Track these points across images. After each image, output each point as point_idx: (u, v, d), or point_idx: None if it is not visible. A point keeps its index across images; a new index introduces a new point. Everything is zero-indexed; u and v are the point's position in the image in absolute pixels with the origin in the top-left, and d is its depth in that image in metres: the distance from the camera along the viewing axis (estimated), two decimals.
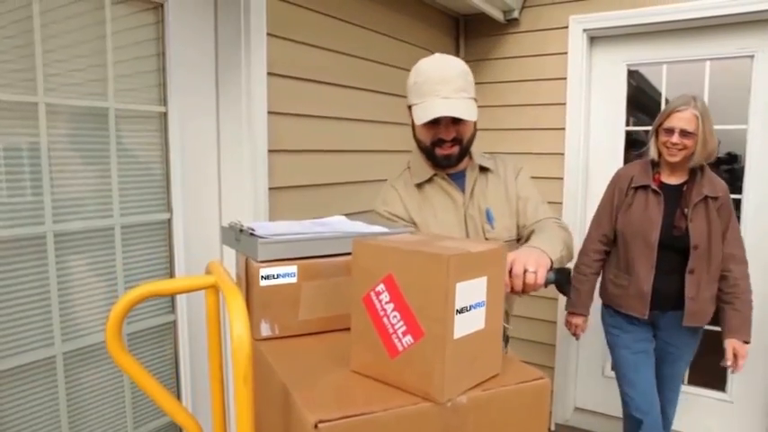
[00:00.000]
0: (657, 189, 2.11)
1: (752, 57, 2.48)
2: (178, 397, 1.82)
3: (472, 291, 0.84)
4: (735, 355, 2.06)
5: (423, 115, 1.41)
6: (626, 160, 2.85)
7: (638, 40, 2.74)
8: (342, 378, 0.91)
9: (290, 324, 1.11)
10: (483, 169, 1.62)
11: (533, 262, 1.21)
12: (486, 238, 1.59)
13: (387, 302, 0.87)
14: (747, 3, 2.35)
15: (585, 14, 2.72)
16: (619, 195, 2.20)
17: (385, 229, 1.23)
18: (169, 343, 1.79)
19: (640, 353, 2.22)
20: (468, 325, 0.84)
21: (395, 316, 0.86)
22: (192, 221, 1.80)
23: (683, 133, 2.02)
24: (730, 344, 2.07)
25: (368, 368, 0.91)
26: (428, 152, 1.53)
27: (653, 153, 2.14)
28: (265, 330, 1.10)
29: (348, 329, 0.96)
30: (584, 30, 2.74)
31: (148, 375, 0.93)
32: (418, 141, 1.55)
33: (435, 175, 1.57)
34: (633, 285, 2.15)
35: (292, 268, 1.10)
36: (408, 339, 0.84)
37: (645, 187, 2.14)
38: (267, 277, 1.08)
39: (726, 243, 2.08)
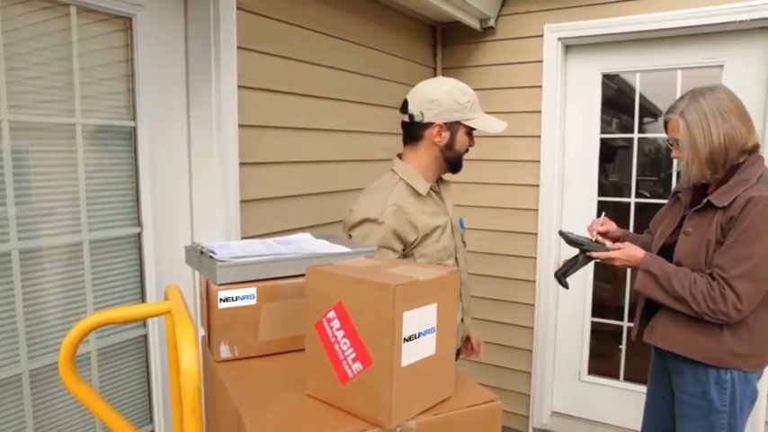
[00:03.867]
0: (683, 197, 1.81)
1: (721, 66, 2.52)
2: (150, 412, 1.82)
3: (421, 318, 0.86)
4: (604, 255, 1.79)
5: (496, 126, 1.68)
6: (601, 167, 2.89)
7: (612, 49, 2.77)
8: (295, 403, 0.92)
9: (249, 345, 1.12)
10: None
11: None
12: (464, 243, 1.83)
13: (337, 329, 0.88)
14: (715, 14, 2.38)
15: (560, 23, 2.75)
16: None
17: (347, 249, 1.24)
18: (140, 357, 1.79)
19: (651, 393, 1.99)
20: (416, 352, 0.86)
21: (345, 343, 0.87)
22: (162, 235, 1.80)
23: (678, 144, 1.70)
24: (631, 246, 1.77)
25: (320, 393, 0.92)
26: (460, 158, 1.72)
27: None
28: (225, 352, 1.11)
29: None
30: (559, 38, 2.77)
31: (105, 403, 0.93)
32: (454, 151, 1.69)
33: (431, 188, 1.71)
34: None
35: (251, 290, 1.11)
36: (358, 366, 0.86)
37: (677, 195, 1.86)
38: (226, 300, 1.09)
39: (717, 254, 1.61)
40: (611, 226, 1.97)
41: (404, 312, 0.82)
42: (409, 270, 0.91)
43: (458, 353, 1.88)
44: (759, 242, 1.55)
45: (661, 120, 1.80)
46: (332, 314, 0.88)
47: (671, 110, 1.71)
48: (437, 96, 1.63)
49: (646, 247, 1.86)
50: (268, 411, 0.88)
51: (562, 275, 1.92)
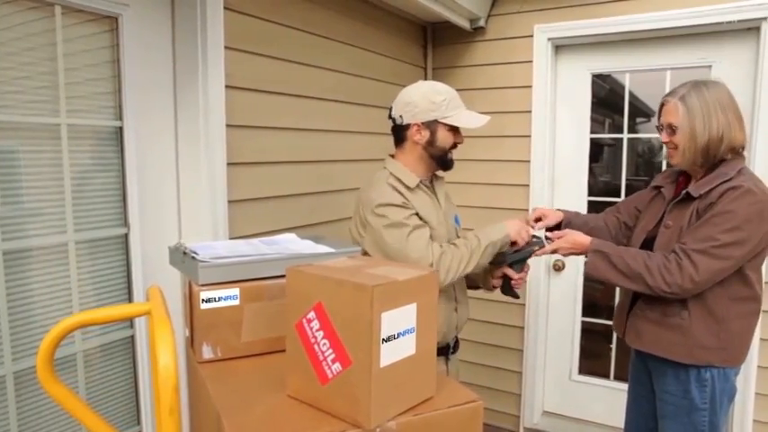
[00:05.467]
0: (666, 192, 1.81)
1: (709, 67, 2.53)
2: (137, 413, 1.81)
3: (400, 318, 0.86)
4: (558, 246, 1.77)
5: (476, 121, 1.71)
6: (591, 167, 2.89)
7: (601, 49, 2.77)
8: (275, 404, 0.92)
9: (232, 346, 1.12)
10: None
11: None
12: (458, 236, 1.84)
13: (317, 330, 0.88)
14: (704, 15, 2.39)
15: (550, 24, 2.75)
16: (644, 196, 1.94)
17: (331, 249, 1.24)
18: (128, 358, 1.78)
19: (631, 394, 1.98)
20: (396, 352, 0.86)
21: (324, 343, 0.87)
22: (149, 236, 1.79)
23: (671, 128, 1.68)
24: (572, 233, 1.78)
25: (301, 393, 0.92)
26: (445, 154, 1.75)
27: (665, 155, 1.83)
28: (207, 353, 1.11)
29: None
30: (549, 38, 2.77)
31: (84, 405, 0.93)
32: (438, 149, 1.73)
33: (420, 182, 1.75)
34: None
35: (234, 291, 1.10)
36: (337, 367, 0.86)
37: (659, 190, 1.86)
38: (208, 300, 1.09)
39: (686, 232, 1.62)
40: (549, 218, 1.91)
41: (382, 313, 0.82)
42: (389, 270, 0.90)
43: (456, 345, 1.88)
44: (728, 228, 1.55)
45: (654, 120, 1.80)
46: (312, 315, 0.88)
47: (670, 93, 1.71)
48: (412, 99, 1.70)
49: (595, 231, 1.86)
50: (248, 412, 0.88)
51: (510, 288, 1.86)
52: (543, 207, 1.94)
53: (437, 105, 1.69)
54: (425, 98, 1.69)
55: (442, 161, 1.76)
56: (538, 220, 1.94)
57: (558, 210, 1.98)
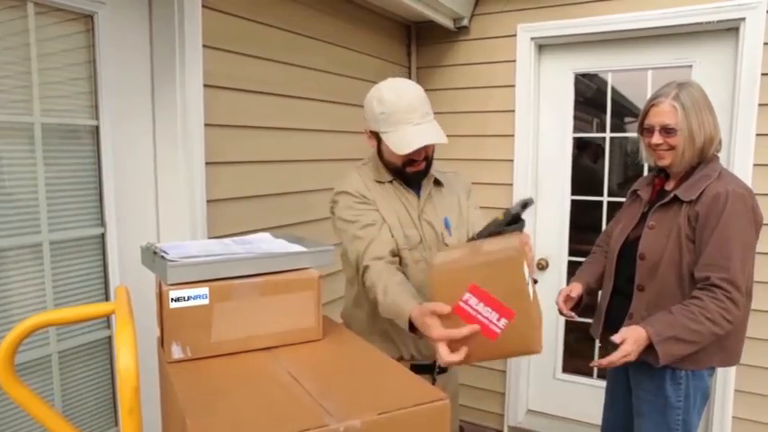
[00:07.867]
0: (642, 194, 1.82)
1: (690, 66, 2.55)
2: (115, 415, 1.80)
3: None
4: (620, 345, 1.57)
5: (404, 146, 1.48)
6: (574, 166, 2.90)
7: (584, 49, 2.79)
8: (241, 404, 0.91)
9: (202, 346, 1.11)
10: (437, 182, 1.72)
11: None
12: (446, 244, 1.66)
13: (477, 304, 1.15)
14: (684, 15, 2.41)
15: (533, 23, 2.76)
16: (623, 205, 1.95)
17: (303, 248, 1.24)
18: (105, 359, 1.77)
19: (610, 392, 1.99)
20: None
21: (487, 310, 1.14)
22: (127, 236, 1.78)
23: (665, 130, 1.66)
24: (628, 330, 1.59)
25: (479, 357, 1.20)
26: (398, 171, 1.61)
27: (644, 157, 1.82)
28: (177, 353, 1.10)
29: (262, 350, 1.11)
30: (532, 38, 2.78)
31: (47, 407, 0.92)
32: (387, 162, 1.61)
33: (393, 179, 1.65)
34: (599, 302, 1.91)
35: (203, 290, 1.10)
36: (504, 322, 1.14)
37: (636, 193, 1.87)
38: (177, 300, 1.08)
39: (706, 256, 1.60)
40: (574, 290, 1.90)
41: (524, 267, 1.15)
42: (491, 243, 1.24)
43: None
44: (736, 237, 1.58)
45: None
46: (467, 296, 1.14)
47: (660, 95, 1.69)
48: (365, 101, 1.58)
49: (601, 278, 1.90)
50: (212, 413, 0.88)
51: None
52: (565, 290, 1.91)
53: (376, 117, 1.53)
54: (369, 105, 1.55)
55: (394, 173, 1.62)
56: (567, 299, 1.90)
57: (574, 282, 1.93)
